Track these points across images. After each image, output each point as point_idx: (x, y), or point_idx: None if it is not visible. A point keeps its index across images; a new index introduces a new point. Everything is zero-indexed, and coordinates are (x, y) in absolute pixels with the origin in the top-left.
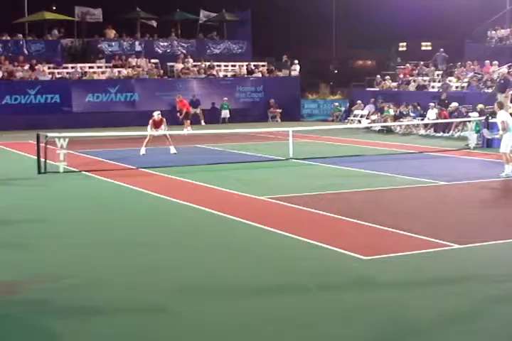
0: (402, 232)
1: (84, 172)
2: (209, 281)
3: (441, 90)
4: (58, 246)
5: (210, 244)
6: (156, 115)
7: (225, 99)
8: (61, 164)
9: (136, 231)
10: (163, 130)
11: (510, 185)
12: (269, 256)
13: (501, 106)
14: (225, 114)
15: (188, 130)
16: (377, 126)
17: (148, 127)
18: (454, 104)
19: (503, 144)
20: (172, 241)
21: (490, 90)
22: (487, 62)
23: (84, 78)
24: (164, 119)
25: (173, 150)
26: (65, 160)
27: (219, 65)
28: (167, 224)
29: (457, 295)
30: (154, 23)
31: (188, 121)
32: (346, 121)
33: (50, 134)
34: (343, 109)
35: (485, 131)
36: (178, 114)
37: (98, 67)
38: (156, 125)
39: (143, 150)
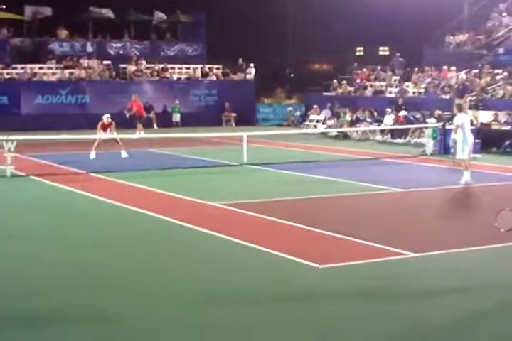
0: (357, 240)
1: (32, 177)
2: (149, 290)
3: (398, 95)
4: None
5: (154, 249)
6: (105, 118)
7: (177, 101)
8: (8, 168)
9: (84, 237)
10: (111, 133)
11: (468, 193)
12: (218, 264)
13: (460, 108)
14: (176, 117)
15: (140, 134)
16: (334, 132)
17: (97, 129)
18: (403, 113)
19: (458, 150)
20: (113, 244)
21: (447, 96)
22: (445, 67)
23: (34, 79)
24: (113, 123)
25: (124, 154)
26: (13, 163)
27: (173, 68)
28: (114, 230)
29: (412, 307)
30: (110, 13)
31: (141, 125)
32: (302, 126)
33: None
34: (298, 113)
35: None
36: (126, 113)
37: (48, 68)
38: (105, 128)
39: (93, 154)
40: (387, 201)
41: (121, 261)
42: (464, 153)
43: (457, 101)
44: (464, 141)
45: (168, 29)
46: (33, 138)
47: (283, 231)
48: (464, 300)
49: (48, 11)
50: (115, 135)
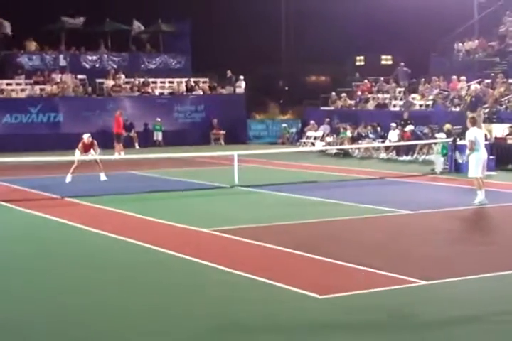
0: (361, 267)
1: (1, 203)
2: (156, 328)
3: (403, 109)
4: None
5: (143, 281)
6: (86, 138)
7: (158, 119)
8: None
9: (62, 269)
10: (92, 154)
11: (482, 214)
12: (210, 296)
13: (474, 122)
14: (158, 135)
15: (119, 154)
16: (333, 149)
17: (77, 151)
18: (409, 128)
19: (471, 167)
20: (98, 279)
21: (458, 109)
22: (454, 77)
23: (0, 96)
24: (95, 142)
25: (103, 177)
26: None
27: (154, 82)
28: (95, 261)
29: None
30: (84, 23)
31: (120, 145)
32: (298, 143)
33: None
34: (294, 130)
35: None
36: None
37: (17, 84)
38: (86, 149)
39: (69, 178)
40: (393, 224)
41: (107, 298)
42: (477, 171)
43: (470, 114)
44: (477, 158)
45: (149, 39)
46: (1, 161)
47: (279, 259)
48: (479, 333)
49: (7, 27)
50: (96, 156)
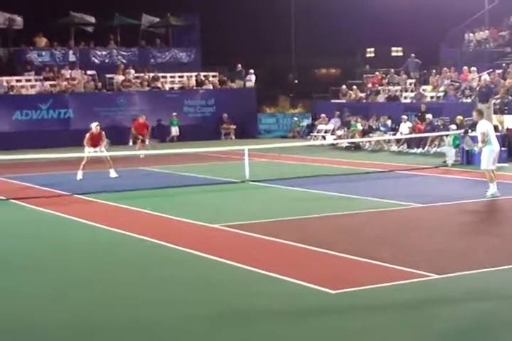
0: (373, 262)
1: (12, 201)
2: (144, 318)
3: (419, 101)
4: None
5: (157, 278)
6: (94, 126)
7: (174, 114)
8: None
9: (73, 265)
10: (103, 147)
11: (494, 207)
12: (224, 292)
13: (481, 114)
14: (175, 131)
15: (140, 151)
16: (344, 143)
17: (85, 143)
18: (428, 117)
19: (483, 160)
20: (112, 276)
21: (469, 100)
22: (465, 68)
23: (10, 93)
24: (103, 133)
25: (113, 173)
26: None
27: (164, 76)
28: (107, 258)
29: (438, 333)
30: (90, 28)
31: (142, 142)
32: (309, 137)
33: None
34: (304, 123)
35: (466, 141)
36: (131, 140)
37: (27, 81)
38: (95, 140)
39: (80, 175)
40: (405, 218)
41: (130, 291)
42: (489, 163)
43: (478, 106)
44: (490, 150)
45: (159, 34)
46: (11, 158)
47: (291, 254)
48: (497, 326)
49: (19, 22)
50: (105, 152)
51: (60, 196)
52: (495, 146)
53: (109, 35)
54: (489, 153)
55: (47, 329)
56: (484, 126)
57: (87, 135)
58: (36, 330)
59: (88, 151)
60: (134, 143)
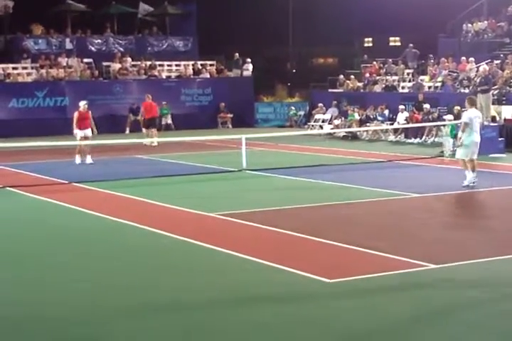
0: (369, 251)
1: (8, 188)
2: (156, 301)
3: (416, 91)
4: None
5: (153, 265)
6: (82, 105)
7: (164, 102)
8: None
9: (71, 254)
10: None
11: (490, 197)
12: (219, 280)
13: (472, 102)
14: (166, 119)
15: (152, 140)
16: (341, 132)
17: (74, 124)
18: (426, 106)
19: (459, 149)
20: (108, 264)
21: (467, 90)
22: (463, 58)
23: (6, 81)
24: (90, 112)
25: (89, 159)
26: None
27: (161, 65)
28: (104, 246)
29: (432, 324)
30: (90, 6)
31: (154, 130)
32: (306, 126)
33: None
34: (302, 113)
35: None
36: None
37: (23, 68)
38: (83, 119)
39: (78, 159)
40: (402, 207)
41: (128, 278)
42: (465, 154)
43: (480, 99)
44: (468, 140)
45: (155, 22)
46: (7, 146)
47: (287, 243)
48: (495, 316)
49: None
50: (89, 135)
51: (57, 184)
52: (475, 138)
53: (106, 24)
54: (469, 144)
55: (46, 320)
56: (468, 116)
57: (76, 114)
58: (36, 320)
59: (80, 136)
60: (147, 128)
